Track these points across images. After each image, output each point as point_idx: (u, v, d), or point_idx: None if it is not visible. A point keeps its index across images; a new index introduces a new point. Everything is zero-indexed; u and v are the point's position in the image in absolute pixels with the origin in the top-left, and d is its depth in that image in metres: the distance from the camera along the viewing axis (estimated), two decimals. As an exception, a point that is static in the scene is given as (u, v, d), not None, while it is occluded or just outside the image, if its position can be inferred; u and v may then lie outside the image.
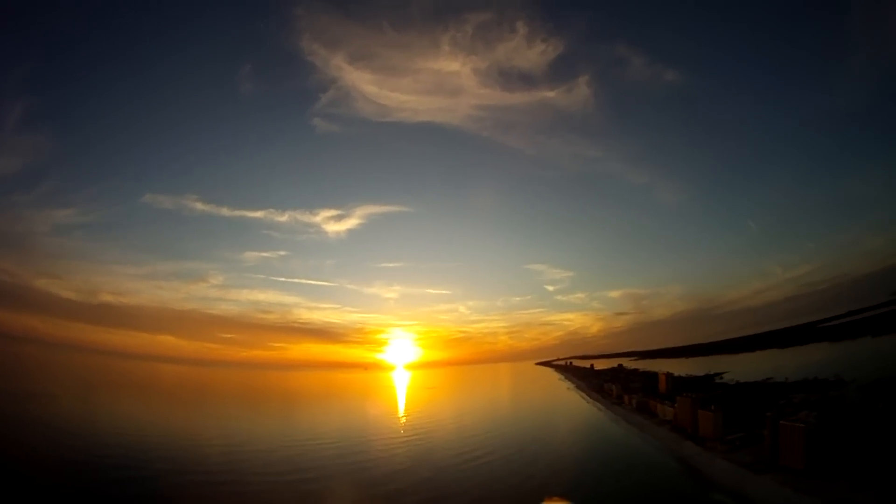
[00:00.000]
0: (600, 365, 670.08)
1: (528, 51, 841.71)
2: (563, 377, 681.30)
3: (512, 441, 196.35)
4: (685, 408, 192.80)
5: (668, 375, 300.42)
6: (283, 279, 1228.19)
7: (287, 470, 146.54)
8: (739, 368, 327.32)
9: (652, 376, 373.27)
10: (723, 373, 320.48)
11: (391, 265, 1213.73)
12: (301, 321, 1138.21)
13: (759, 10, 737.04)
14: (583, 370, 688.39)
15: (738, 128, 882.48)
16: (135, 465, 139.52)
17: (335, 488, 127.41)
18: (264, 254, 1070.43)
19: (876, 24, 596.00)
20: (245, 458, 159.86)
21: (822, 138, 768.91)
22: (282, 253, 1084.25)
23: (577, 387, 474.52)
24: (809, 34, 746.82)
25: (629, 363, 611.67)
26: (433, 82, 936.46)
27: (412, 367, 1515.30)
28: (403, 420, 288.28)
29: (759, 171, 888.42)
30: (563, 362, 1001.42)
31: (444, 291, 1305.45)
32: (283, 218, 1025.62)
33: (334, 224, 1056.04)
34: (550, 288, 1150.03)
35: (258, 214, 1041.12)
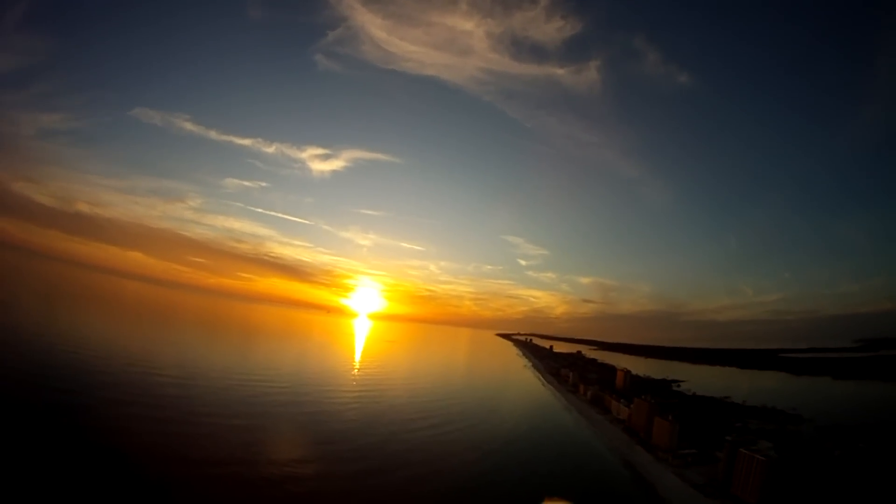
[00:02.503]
0: (560, 348, 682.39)
1: (546, 24, 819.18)
2: (521, 353, 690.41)
3: (465, 415, 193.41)
4: (641, 411, 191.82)
5: (627, 373, 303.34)
6: (260, 210, 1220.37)
7: (235, 413, 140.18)
8: (697, 379, 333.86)
9: (610, 370, 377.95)
10: (681, 381, 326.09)
11: (369, 212, 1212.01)
12: (272, 255, 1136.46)
13: (785, 36, 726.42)
14: (542, 350, 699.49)
15: (738, 143, 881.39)
16: (76, 388, 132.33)
17: (280, 442, 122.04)
18: (246, 182, 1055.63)
19: (894, 83, 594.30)
20: (194, 395, 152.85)
21: (820, 173, 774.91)
22: (263, 184, 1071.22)
23: (535, 366, 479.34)
24: (832, 71, 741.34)
25: (589, 351, 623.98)
26: (444, 38, 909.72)
27: (375, 317, 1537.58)
28: (360, 373, 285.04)
29: (750, 190, 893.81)
30: (523, 338, 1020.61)
31: (417, 247, 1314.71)
32: (270, 149, 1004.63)
33: (320, 163, 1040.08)
34: (523, 262, 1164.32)
35: (246, 142, 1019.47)
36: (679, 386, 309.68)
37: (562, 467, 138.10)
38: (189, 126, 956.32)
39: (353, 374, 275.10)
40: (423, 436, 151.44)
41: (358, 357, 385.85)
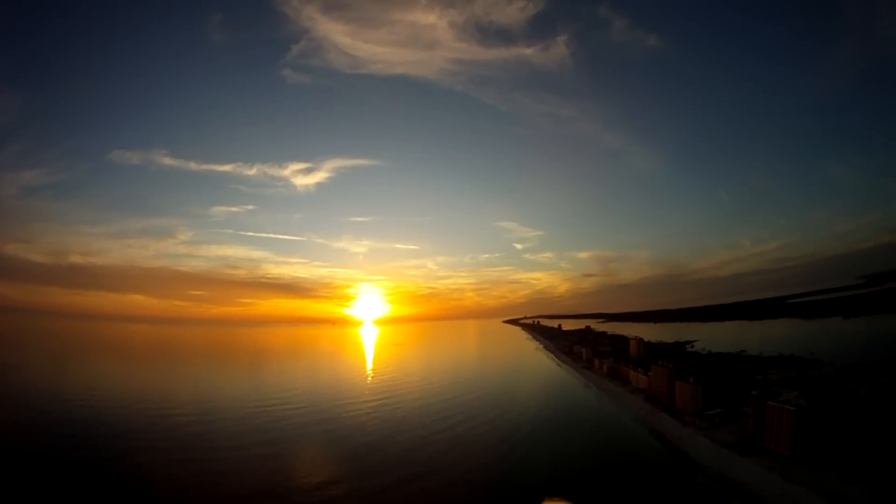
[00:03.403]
0: (567, 325, 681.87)
1: (508, 6, 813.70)
2: (530, 336, 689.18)
3: (487, 407, 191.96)
4: (661, 378, 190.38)
5: (639, 340, 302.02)
6: (251, 234, 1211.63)
7: (256, 442, 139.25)
8: (709, 337, 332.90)
9: (621, 340, 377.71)
10: (693, 341, 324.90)
11: (360, 219, 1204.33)
12: (269, 276, 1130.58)
13: None
14: (550, 330, 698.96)
15: (717, 98, 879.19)
16: (93, 443, 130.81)
17: (305, 465, 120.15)
18: (232, 208, 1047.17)
19: (871, 12, 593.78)
20: (213, 429, 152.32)
21: (803, 117, 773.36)
22: (250, 207, 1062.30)
23: (546, 347, 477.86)
24: (802, 12, 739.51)
25: (596, 325, 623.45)
26: (408, 34, 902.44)
27: (380, 322, 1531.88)
28: (374, 381, 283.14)
29: (735, 143, 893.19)
30: (530, 321, 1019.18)
31: (412, 247, 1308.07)
32: (252, 171, 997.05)
33: (303, 177, 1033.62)
34: (519, 246, 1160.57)
35: (226, 168, 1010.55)
36: (693, 346, 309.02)
37: (591, 447, 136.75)
38: (168, 161, 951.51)
39: (368, 384, 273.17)
40: (449, 436, 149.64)
41: (369, 365, 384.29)
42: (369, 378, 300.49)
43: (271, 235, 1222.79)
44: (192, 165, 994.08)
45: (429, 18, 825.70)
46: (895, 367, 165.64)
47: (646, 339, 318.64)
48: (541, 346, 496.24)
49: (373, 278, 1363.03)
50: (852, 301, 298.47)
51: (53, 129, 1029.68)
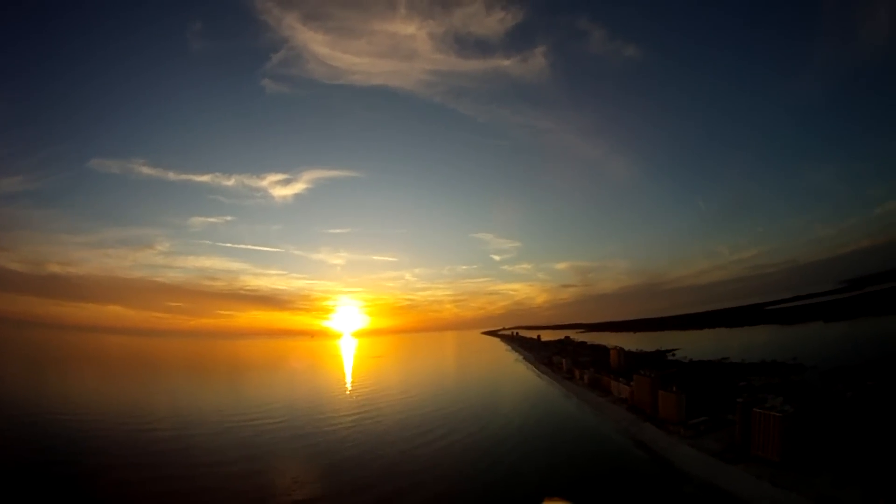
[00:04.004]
0: (547, 336, 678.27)
1: (487, 17, 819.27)
2: (510, 348, 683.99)
3: (469, 421, 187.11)
4: (644, 387, 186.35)
5: (619, 350, 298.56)
6: (229, 245, 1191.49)
7: (237, 457, 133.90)
8: (690, 345, 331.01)
9: (601, 350, 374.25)
10: (674, 349, 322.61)
11: (338, 231, 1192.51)
12: (248, 288, 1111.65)
13: None
14: (530, 341, 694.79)
15: (695, 107, 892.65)
16: (70, 458, 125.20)
17: (286, 482, 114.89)
18: (211, 219, 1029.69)
19: (850, 20, 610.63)
20: (192, 444, 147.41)
21: (781, 123, 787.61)
22: (228, 218, 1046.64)
23: (525, 358, 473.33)
24: (781, 19, 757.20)
25: (576, 335, 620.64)
26: (387, 45, 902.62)
27: (358, 334, 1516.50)
28: (353, 394, 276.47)
29: (713, 152, 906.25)
30: (509, 332, 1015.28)
31: (390, 259, 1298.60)
32: (230, 182, 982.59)
33: (281, 188, 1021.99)
34: (497, 258, 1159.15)
35: (205, 178, 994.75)
36: (674, 355, 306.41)
37: (576, 459, 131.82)
38: (146, 170, 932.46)
39: (347, 397, 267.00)
40: (431, 451, 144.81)
41: (348, 378, 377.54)
42: (348, 391, 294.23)
43: (249, 247, 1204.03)
44: (171, 175, 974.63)
45: (408, 29, 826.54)
46: (880, 370, 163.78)
47: (626, 349, 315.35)
48: (520, 358, 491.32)
49: (351, 290, 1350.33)
50: (833, 306, 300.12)
51: (33, 136, 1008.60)
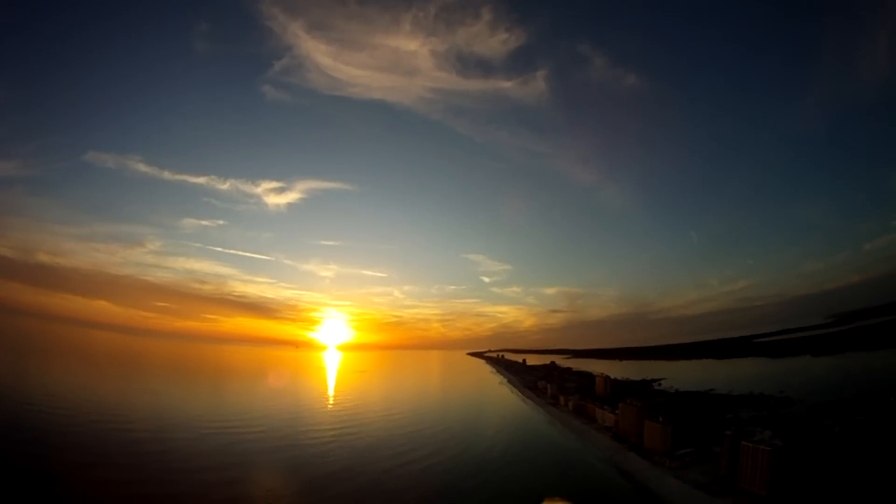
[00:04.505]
0: (532, 360, 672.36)
1: (490, 38, 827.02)
2: (494, 370, 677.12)
3: (452, 442, 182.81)
4: (629, 416, 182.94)
5: (606, 378, 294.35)
6: (219, 249, 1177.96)
7: (213, 465, 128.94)
8: (676, 375, 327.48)
9: (587, 377, 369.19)
10: (660, 379, 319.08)
11: (329, 243, 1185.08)
12: (236, 294, 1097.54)
13: (728, 26, 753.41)
14: (515, 364, 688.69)
15: (691, 136, 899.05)
16: (42, 451, 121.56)
17: (266, 494, 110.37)
18: (203, 221, 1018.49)
19: (849, 57, 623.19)
20: (169, 447, 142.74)
21: (776, 156, 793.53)
22: (220, 222, 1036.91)
23: (510, 381, 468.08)
24: (779, 53, 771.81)
25: (562, 361, 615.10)
26: (389, 60, 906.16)
27: (344, 348, 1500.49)
28: (335, 408, 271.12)
29: (706, 183, 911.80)
30: (494, 354, 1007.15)
31: (380, 274, 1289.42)
32: (225, 186, 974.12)
33: (275, 196, 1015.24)
34: (487, 279, 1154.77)
35: (200, 180, 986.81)
36: (660, 384, 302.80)
37: (559, 486, 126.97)
38: (142, 167, 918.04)
39: (330, 410, 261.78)
40: (415, 470, 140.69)
41: (332, 391, 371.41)
42: (331, 405, 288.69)
43: (240, 253, 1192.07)
44: (166, 174, 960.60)
45: (411, 45, 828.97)
46: (869, 405, 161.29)
47: (612, 377, 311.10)
48: (505, 381, 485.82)
49: (339, 303, 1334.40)
50: (821, 340, 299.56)
51: (31, 124, 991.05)
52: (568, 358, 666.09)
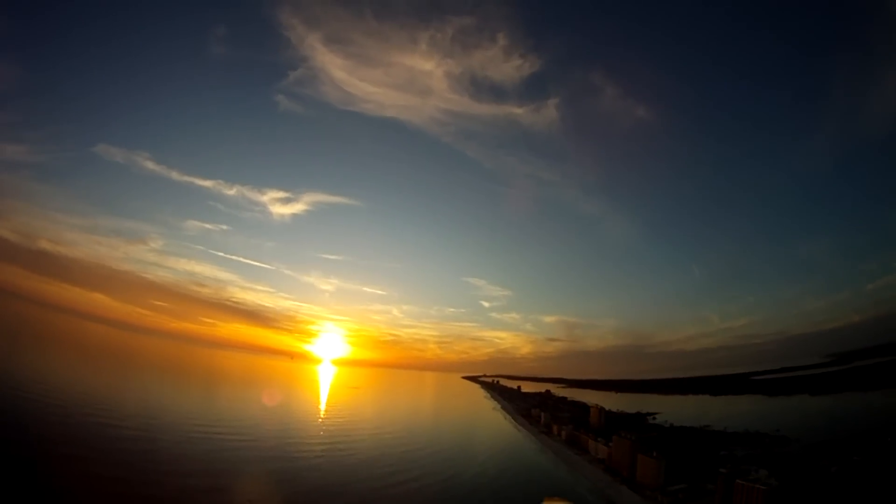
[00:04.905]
0: (527, 388, 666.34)
1: (504, 63, 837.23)
2: (488, 395, 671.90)
3: (444, 464, 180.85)
4: (623, 449, 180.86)
5: (600, 409, 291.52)
6: (221, 254, 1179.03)
7: (198, 470, 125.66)
8: (671, 410, 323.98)
9: (582, 407, 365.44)
10: (655, 413, 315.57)
11: (331, 257, 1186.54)
12: (234, 300, 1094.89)
13: (741, 64, 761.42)
14: (510, 391, 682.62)
15: (697, 170, 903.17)
16: (27, 439, 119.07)
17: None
18: (207, 225, 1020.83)
19: (858, 97, 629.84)
20: (155, 448, 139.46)
21: (779, 195, 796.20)
22: (224, 227, 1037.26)
23: (504, 407, 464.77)
24: (788, 93, 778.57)
25: (557, 389, 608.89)
26: (404, 79, 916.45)
27: (339, 362, 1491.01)
28: (327, 422, 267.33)
29: (711, 217, 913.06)
30: (489, 379, 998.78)
31: (379, 291, 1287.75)
32: (231, 191, 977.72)
33: (280, 206, 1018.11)
34: (486, 304, 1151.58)
35: (207, 183, 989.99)
36: (654, 418, 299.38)
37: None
38: (150, 165, 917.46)
39: (321, 424, 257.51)
40: (404, 491, 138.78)
41: (324, 405, 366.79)
42: (322, 419, 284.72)
43: (241, 259, 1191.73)
44: (174, 174, 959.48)
45: (426, 65, 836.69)
46: (866, 445, 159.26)
47: (607, 408, 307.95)
48: (498, 406, 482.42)
49: (337, 318, 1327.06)
50: (819, 379, 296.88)
51: (44, 109, 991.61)
52: (563, 387, 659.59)
